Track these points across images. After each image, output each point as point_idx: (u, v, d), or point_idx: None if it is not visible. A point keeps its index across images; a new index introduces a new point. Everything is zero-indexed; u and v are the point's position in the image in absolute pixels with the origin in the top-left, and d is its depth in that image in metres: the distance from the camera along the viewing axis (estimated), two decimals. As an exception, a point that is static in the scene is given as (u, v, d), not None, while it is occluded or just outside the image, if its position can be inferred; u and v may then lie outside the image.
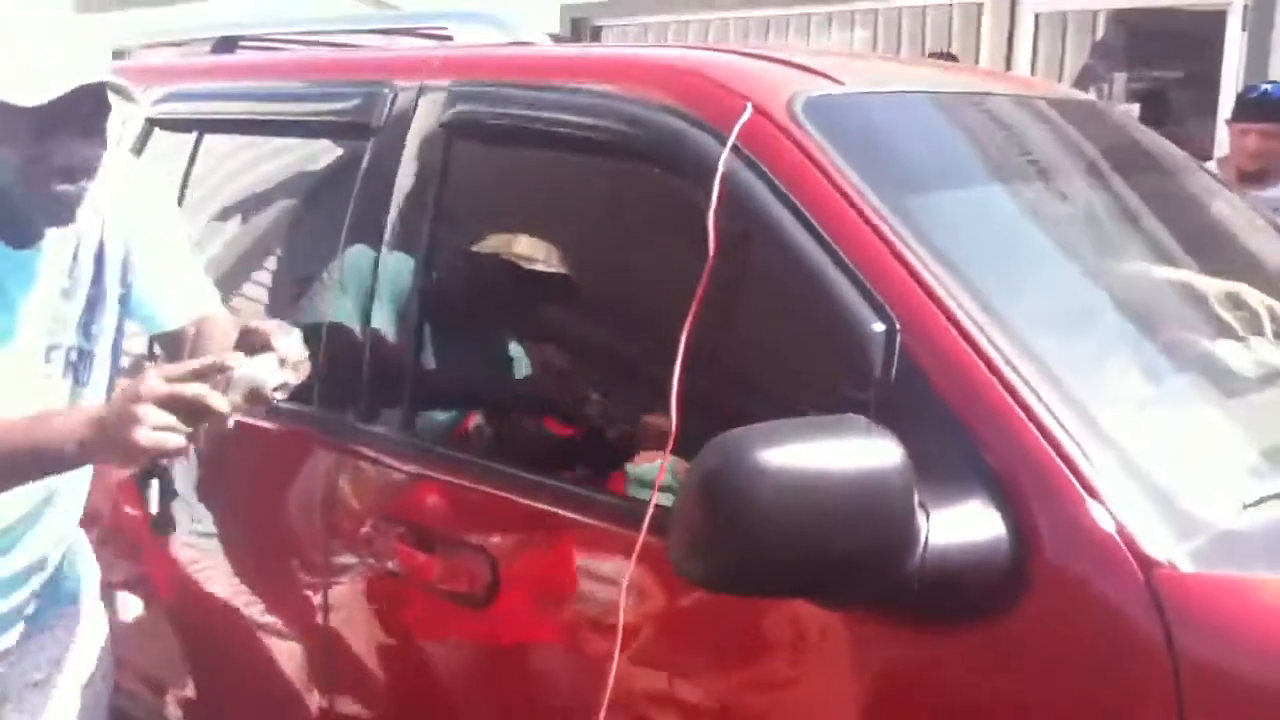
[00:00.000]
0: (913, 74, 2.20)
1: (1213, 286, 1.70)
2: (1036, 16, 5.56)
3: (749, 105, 1.51)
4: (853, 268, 1.37)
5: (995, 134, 1.78)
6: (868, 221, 1.40)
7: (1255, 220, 2.11)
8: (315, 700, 1.87)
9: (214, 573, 2.06)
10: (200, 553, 2.08)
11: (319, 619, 1.84)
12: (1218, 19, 5.03)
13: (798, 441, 1.17)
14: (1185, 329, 1.58)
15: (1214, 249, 1.93)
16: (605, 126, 1.64)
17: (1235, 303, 1.67)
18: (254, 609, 2.00)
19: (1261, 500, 1.27)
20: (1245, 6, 4.91)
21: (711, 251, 1.40)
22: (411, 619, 1.75)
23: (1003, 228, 1.61)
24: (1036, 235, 1.65)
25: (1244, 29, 4.93)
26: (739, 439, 1.17)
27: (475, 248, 1.89)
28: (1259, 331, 1.64)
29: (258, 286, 2.37)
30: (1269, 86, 3.90)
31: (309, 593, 1.85)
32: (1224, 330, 1.61)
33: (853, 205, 1.41)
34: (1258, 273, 1.86)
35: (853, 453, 1.17)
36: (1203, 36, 5.19)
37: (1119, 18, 5.70)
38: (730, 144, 1.47)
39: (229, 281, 2.33)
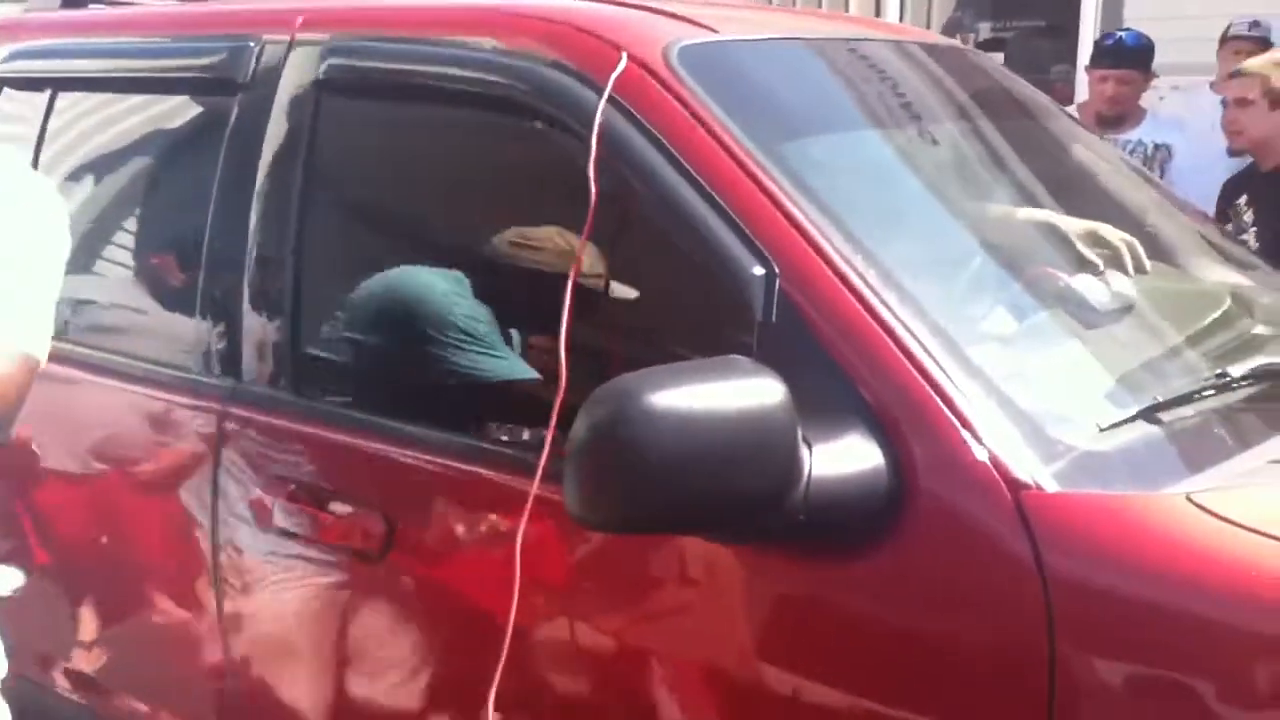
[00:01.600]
0: (787, 22, 2.23)
1: (1074, 225, 1.78)
2: (902, -30, 5.67)
3: (624, 55, 1.52)
4: (732, 215, 1.40)
5: (869, 79, 1.82)
6: (745, 169, 1.43)
7: (1114, 162, 2.21)
8: (211, 663, 1.85)
9: (100, 542, 2.02)
10: (83, 522, 2.03)
11: (209, 582, 1.82)
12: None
13: (684, 384, 1.20)
14: (1049, 266, 1.65)
15: (1076, 190, 2.01)
16: (480, 79, 1.64)
17: (1096, 240, 1.75)
18: (142, 577, 1.97)
19: (1116, 424, 1.34)
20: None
21: (592, 202, 1.41)
22: (306, 578, 1.74)
23: (876, 172, 1.66)
24: (908, 179, 1.70)
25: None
26: (627, 384, 1.20)
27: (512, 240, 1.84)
28: (1119, 266, 1.72)
29: (120, 250, 2.30)
30: (1124, 34, 4.06)
31: (199, 557, 1.83)
32: (1085, 266, 1.69)
33: (730, 153, 1.44)
34: (1117, 211, 1.95)
35: (737, 392, 1.21)
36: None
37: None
38: (606, 94, 1.48)
39: (89, 247, 2.27)
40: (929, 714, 1.26)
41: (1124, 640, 1.18)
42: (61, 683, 2.14)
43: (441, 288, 1.80)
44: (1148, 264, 1.75)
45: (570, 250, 1.66)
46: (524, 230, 1.81)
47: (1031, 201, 1.87)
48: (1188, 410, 1.41)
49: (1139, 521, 1.21)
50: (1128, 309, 1.64)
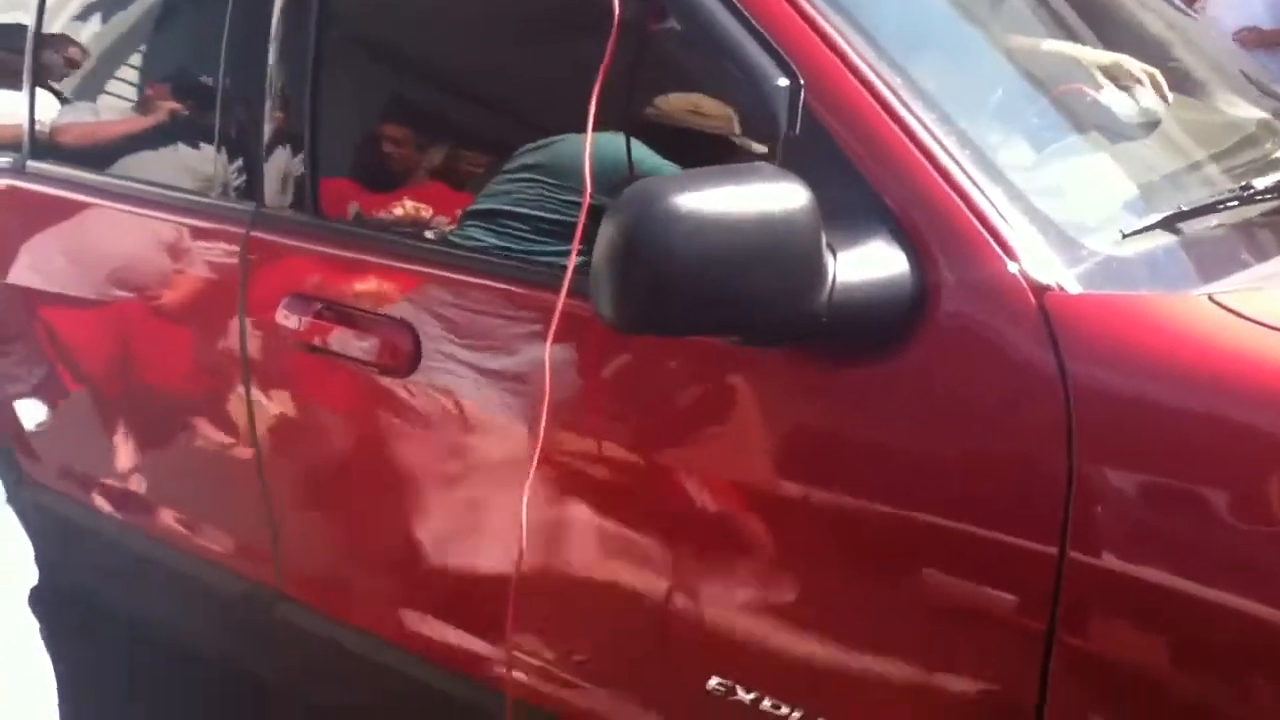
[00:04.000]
0: None
1: (1097, 57, 1.75)
2: None
3: None
4: (756, 25, 1.38)
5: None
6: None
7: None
8: (246, 481, 1.91)
9: (130, 367, 2.06)
10: (112, 349, 2.07)
11: (242, 403, 1.87)
12: None
13: (709, 187, 1.21)
14: (1072, 84, 1.63)
15: (1100, 19, 1.97)
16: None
17: (1119, 72, 1.73)
18: (174, 402, 2.02)
19: (1139, 231, 1.35)
20: None
21: (616, 16, 1.39)
22: (336, 396, 1.78)
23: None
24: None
25: None
26: (653, 187, 1.21)
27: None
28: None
29: (138, 81, 2.28)
30: None
31: (230, 380, 1.87)
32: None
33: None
34: (1141, 43, 1.92)
35: (762, 195, 1.22)
36: None
37: None
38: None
39: (106, 78, 2.26)
40: (944, 516, 1.29)
41: (1143, 442, 1.19)
42: (101, 502, 2.21)
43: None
44: (1169, 95, 1.73)
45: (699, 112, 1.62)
46: (661, 101, 1.74)
47: (1056, 29, 1.84)
48: (1210, 220, 1.42)
49: (1161, 320, 1.23)
50: (1153, 125, 1.63)
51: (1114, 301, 1.25)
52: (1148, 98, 1.68)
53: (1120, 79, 1.70)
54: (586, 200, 1.39)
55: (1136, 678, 1.21)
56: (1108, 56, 1.74)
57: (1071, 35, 1.82)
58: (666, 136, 1.51)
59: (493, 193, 1.67)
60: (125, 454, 2.19)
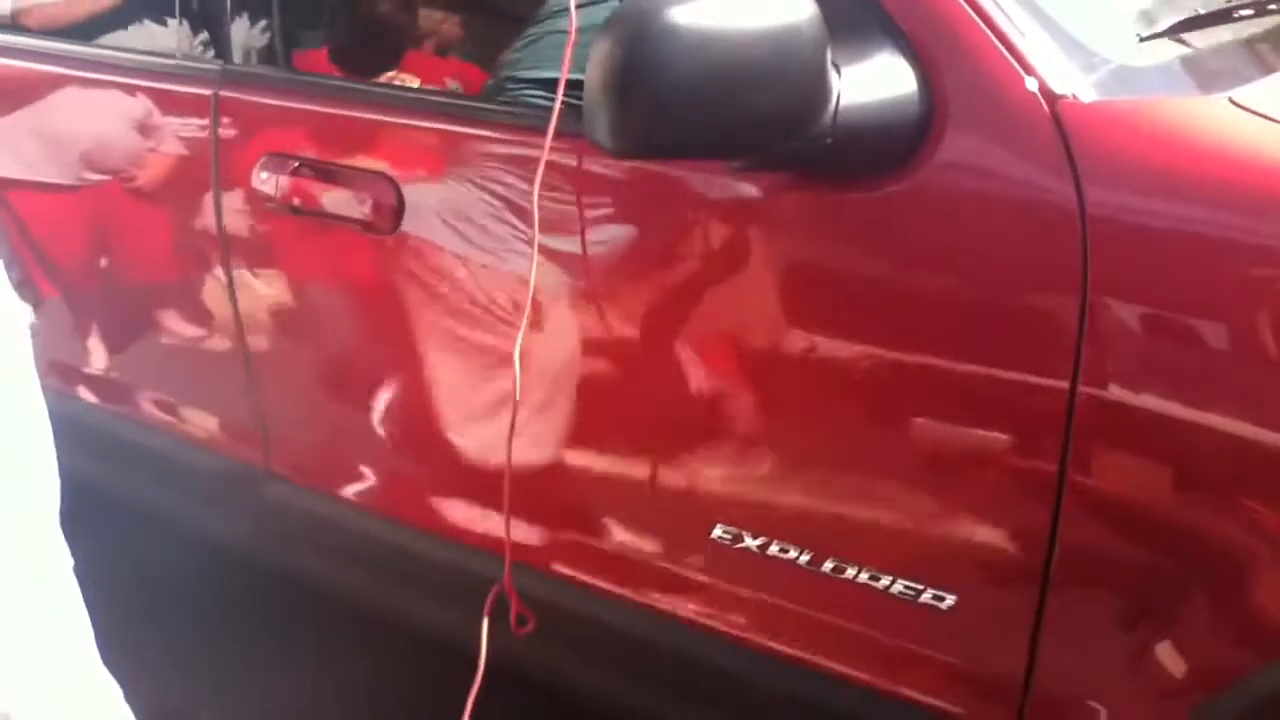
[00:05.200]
0: None
1: None
2: None
3: None
4: None
5: None
6: None
7: None
8: (232, 353, 1.85)
9: (104, 246, 1.99)
10: (84, 229, 2.00)
11: (222, 273, 1.80)
12: None
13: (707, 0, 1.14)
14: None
15: None
16: None
17: None
18: (152, 275, 1.95)
19: (1154, 35, 1.29)
20: None
21: None
22: (318, 258, 1.72)
23: None
24: None
25: None
26: (647, 2, 1.14)
27: None
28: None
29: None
30: None
31: (208, 248, 1.81)
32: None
33: None
34: None
35: (763, 7, 1.15)
36: None
37: None
38: None
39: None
40: (954, 350, 1.25)
41: (1166, 258, 1.13)
42: (86, 393, 2.16)
43: None
44: None
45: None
46: None
47: None
48: (1226, 32, 1.36)
49: (1180, 123, 1.18)
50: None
51: (1131, 107, 1.19)
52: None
53: None
54: (572, 36, 1.33)
55: (1146, 514, 1.18)
56: None
57: None
58: None
59: (546, 57, 1.56)
60: (104, 339, 2.13)
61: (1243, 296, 1.11)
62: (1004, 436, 1.24)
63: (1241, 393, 1.12)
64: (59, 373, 2.15)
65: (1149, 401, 1.15)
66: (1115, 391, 1.16)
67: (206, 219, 1.80)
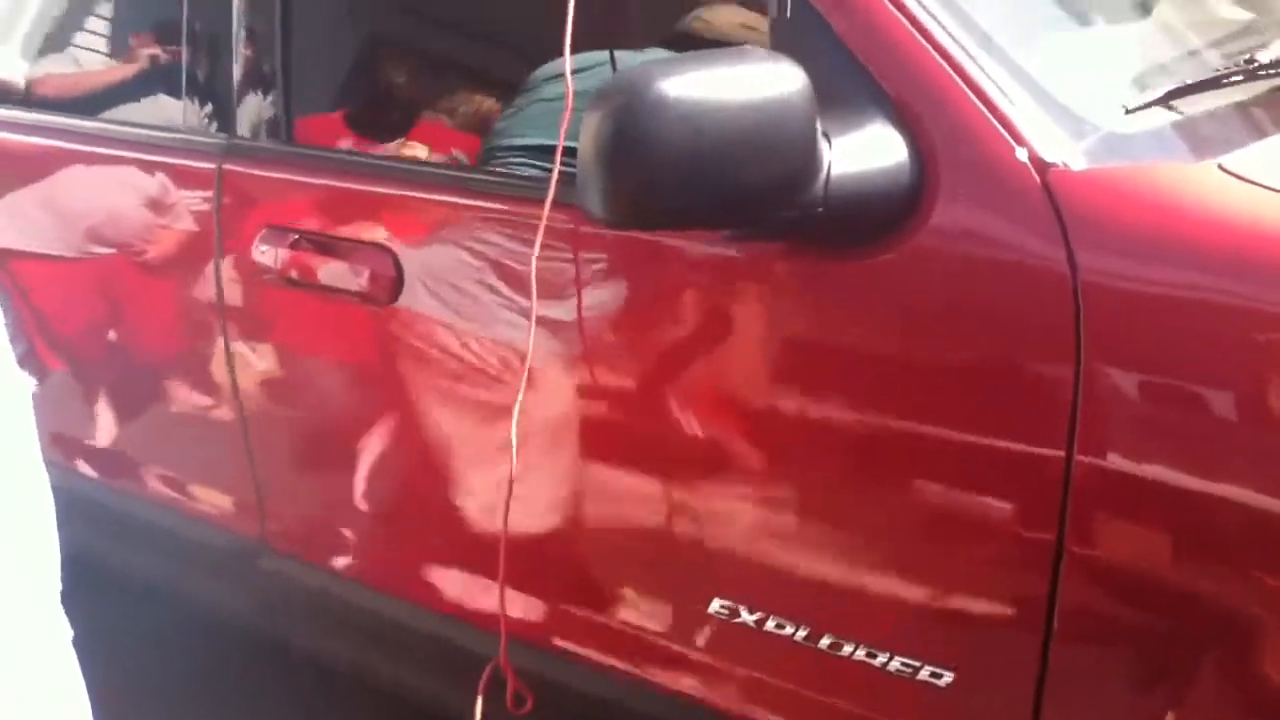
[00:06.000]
0: None
1: None
2: None
3: None
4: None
5: None
6: None
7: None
8: (230, 425, 1.85)
9: (104, 318, 2.01)
10: (85, 300, 2.01)
11: (220, 344, 1.81)
12: None
13: (697, 71, 1.15)
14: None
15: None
16: None
17: None
18: (151, 349, 1.96)
19: (1143, 106, 1.30)
20: None
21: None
22: (316, 330, 1.73)
23: None
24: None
25: None
26: (637, 74, 1.15)
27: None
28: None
29: (93, 35, 2.22)
30: None
31: (206, 319, 1.81)
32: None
33: None
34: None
35: (755, 79, 1.16)
36: None
37: None
38: None
39: (63, 29, 2.19)
40: (949, 420, 1.25)
41: (1158, 325, 1.14)
42: (86, 467, 2.15)
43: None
44: None
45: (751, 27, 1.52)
46: (705, 13, 1.63)
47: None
48: (1213, 99, 1.37)
49: (1170, 190, 1.18)
50: (1151, 5, 1.58)
51: (1121, 174, 1.20)
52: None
53: None
54: (569, 109, 1.34)
55: (1147, 582, 1.17)
56: None
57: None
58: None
59: (534, 124, 1.58)
60: (105, 412, 2.13)
61: (1237, 361, 1.11)
62: (1001, 506, 1.23)
63: (1240, 458, 1.11)
64: (60, 446, 2.15)
65: (1147, 469, 1.14)
66: (1113, 459, 1.15)
67: (207, 292, 1.81)
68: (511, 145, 1.60)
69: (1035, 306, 1.19)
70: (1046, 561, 1.19)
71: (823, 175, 1.20)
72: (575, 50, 1.35)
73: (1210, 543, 1.14)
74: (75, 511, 2.19)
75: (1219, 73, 1.39)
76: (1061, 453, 1.17)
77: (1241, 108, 1.40)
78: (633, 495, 1.48)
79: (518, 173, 1.56)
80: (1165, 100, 1.31)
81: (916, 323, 1.26)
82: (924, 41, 1.25)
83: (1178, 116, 1.32)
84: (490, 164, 1.62)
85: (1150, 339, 1.15)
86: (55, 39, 2.23)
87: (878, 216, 1.24)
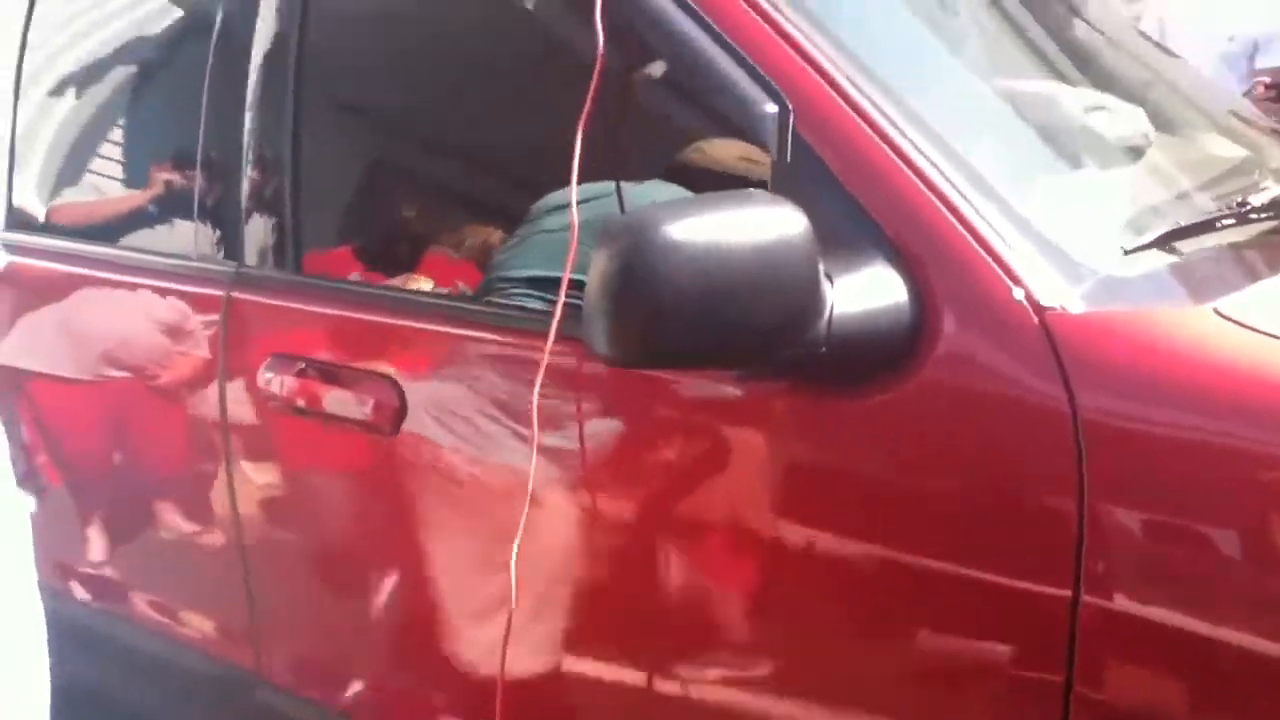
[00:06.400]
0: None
1: (1081, 98, 1.75)
2: None
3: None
4: (742, 53, 1.37)
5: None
6: (755, 7, 1.39)
7: (1122, 29, 2.17)
8: (230, 553, 1.84)
9: (107, 441, 2.00)
10: (89, 422, 2.01)
11: (223, 470, 1.81)
12: None
13: (701, 214, 1.18)
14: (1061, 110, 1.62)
15: (1083, 58, 1.98)
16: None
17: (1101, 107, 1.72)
18: (153, 473, 1.96)
19: (1139, 248, 1.32)
20: None
21: (600, 47, 1.38)
22: (320, 458, 1.73)
23: (883, 14, 1.62)
24: (917, 24, 1.66)
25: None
26: (643, 216, 1.18)
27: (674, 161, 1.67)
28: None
29: (109, 160, 2.26)
30: None
31: (210, 446, 1.81)
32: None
33: (738, -7, 1.40)
34: (1124, 82, 1.92)
35: (757, 222, 1.19)
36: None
37: None
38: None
39: (83, 149, 2.23)
40: (952, 559, 1.24)
41: (1159, 469, 1.14)
42: (80, 592, 2.13)
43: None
44: (1153, 135, 1.72)
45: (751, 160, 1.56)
46: (705, 145, 1.66)
47: (1041, 66, 1.84)
48: (1209, 240, 1.40)
49: (1168, 335, 1.19)
50: (1141, 153, 1.62)
51: (1119, 318, 1.21)
52: (1134, 124, 1.67)
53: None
54: (574, 242, 1.37)
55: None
56: (1091, 95, 1.74)
57: (1055, 74, 1.82)
58: (712, 184, 1.45)
59: (536, 256, 1.61)
60: (103, 535, 2.12)
61: (1239, 502, 1.11)
62: (1007, 647, 1.22)
63: (1245, 600, 1.11)
64: (55, 569, 2.13)
65: (1154, 611, 1.14)
66: (1119, 600, 1.15)
67: (212, 418, 1.81)
68: (513, 277, 1.62)
69: (1037, 445, 1.19)
70: (1056, 705, 1.18)
71: (825, 316, 1.21)
72: (579, 181, 1.38)
73: (1222, 687, 1.12)
74: (69, 637, 2.17)
75: (1212, 215, 1.42)
76: (1068, 593, 1.16)
77: (1236, 249, 1.43)
78: (633, 632, 1.46)
79: (519, 304, 1.58)
80: (1161, 243, 1.33)
81: (919, 461, 1.26)
82: (921, 185, 1.28)
83: (1174, 259, 1.34)
84: (491, 295, 1.64)
85: (1153, 479, 1.15)
86: (73, 167, 2.27)
87: (879, 356, 1.25)
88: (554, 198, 1.61)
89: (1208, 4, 3.80)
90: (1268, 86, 3.32)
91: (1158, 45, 2.20)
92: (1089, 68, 1.92)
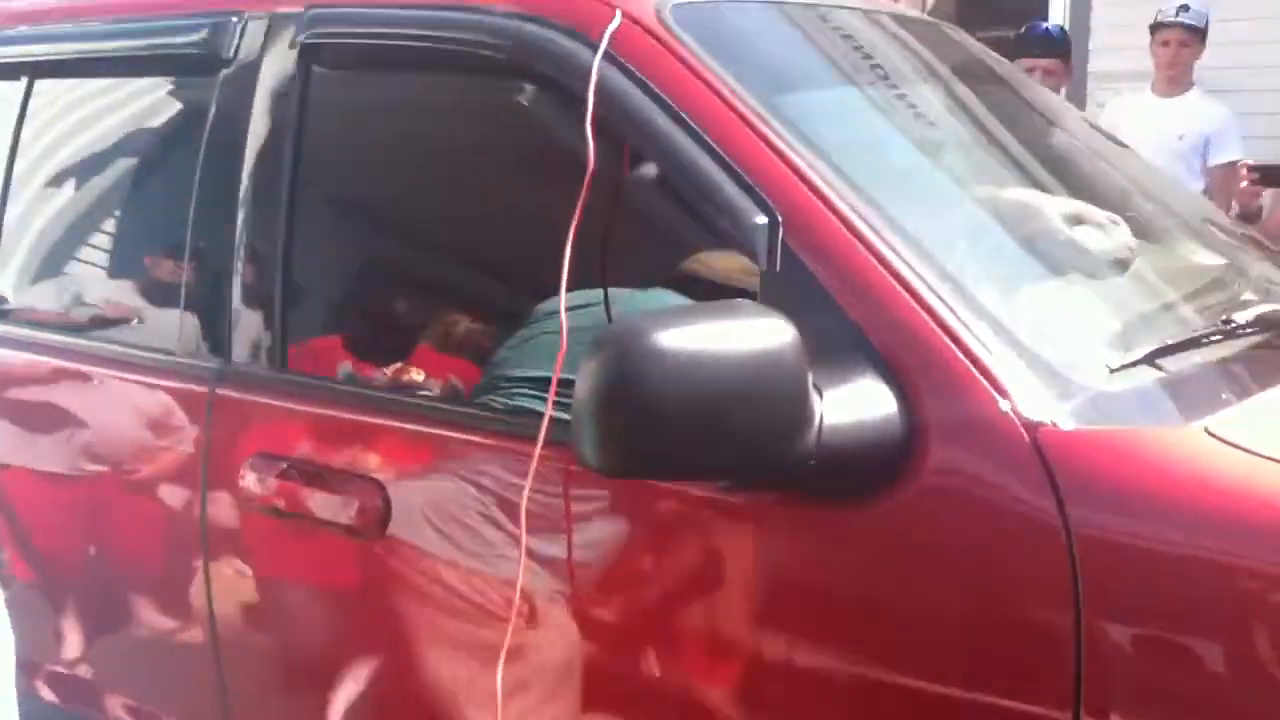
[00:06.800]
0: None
1: (1060, 206, 1.77)
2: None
3: (618, 12, 1.51)
4: (732, 164, 1.38)
5: (859, 42, 1.82)
6: (744, 119, 1.41)
7: (1096, 137, 2.21)
8: (204, 654, 1.79)
9: (84, 536, 1.97)
10: (66, 515, 1.98)
11: (200, 570, 1.77)
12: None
13: (690, 324, 1.18)
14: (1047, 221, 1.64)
15: (1061, 165, 2.01)
16: (470, 40, 1.61)
17: (1081, 220, 1.75)
18: (129, 570, 1.92)
19: (1126, 366, 1.33)
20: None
21: (591, 159, 1.39)
22: (300, 560, 1.70)
23: (871, 128, 1.65)
24: (903, 137, 1.69)
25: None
26: (632, 325, 1.18)
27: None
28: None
29: (98, 251, 2.26)
30: (1049, 26, 4.18)
31: (188, 544, 1.78)
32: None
33: (728, 104, 1.43)
34: (1101, 188, 1.95)
35: (747, 332, 1.19)
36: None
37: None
38: (602, 49, 1.46)
39: (70, 237, 2.23)
40: (944, 679, 1.22)
41: (1155, 589, 1.14)
42: (46, 692, 2.07)
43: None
44: (1134, 242, 1.75)
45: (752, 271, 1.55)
46: (705, 257, 1.64)
47: (1022, 177, 1.86)
48: (1195, 355, 1.40)
49: (1160, 455, 1.19)
50: (1124, 266, 1.63)
51: (1110, 437, 1.21)
52: (1116, 238, 1.69)
53: (1085, 224, 1.71)
54: (563, 346, 1.36)
55: None
56: (1070, 204, 1.76)
57: (1036, 184, 1.85)
58: (713, 294, 1.46)
59: (540, 356, 1.60)
60: (76, 633, 2.06)
61: (1236, 618, 1.11)
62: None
63: (1244, 715, 1.09)
64: (26, 667, 2.08)
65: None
66: (1115, 720, 1.13)
67: (191, 516, 1.78)
68: (516, 377, 1.61)
69: (1031, 560, 1.19)
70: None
71: (814, 427, 1.21)
72: (580, 286, 1.38)
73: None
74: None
75: (1199, 333, 1.43)
76: (1068, 715, 1.14)
77: (1222, 364, 1.43)
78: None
79: (519, 404, 1.57)
80: (1149, 359, 1.34)
81: (911, 576, 1.25)
82: (909, 297, 1.28)
83: (1161, 374, 1.35)
84: (493, 393, 1.63)
85: (1149, 596, 1.15)
86: (59, 257, 2.26)
87: (869, 468, 1.25)
88: (559, 300, 1.61)
89: (1156, 107, 3.97)
90: (1250, 169, 3.42)
91: (1127, 149, 2.25)
92: (1067, 174, 1.95)
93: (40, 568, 2.11)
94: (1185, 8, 3.92)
